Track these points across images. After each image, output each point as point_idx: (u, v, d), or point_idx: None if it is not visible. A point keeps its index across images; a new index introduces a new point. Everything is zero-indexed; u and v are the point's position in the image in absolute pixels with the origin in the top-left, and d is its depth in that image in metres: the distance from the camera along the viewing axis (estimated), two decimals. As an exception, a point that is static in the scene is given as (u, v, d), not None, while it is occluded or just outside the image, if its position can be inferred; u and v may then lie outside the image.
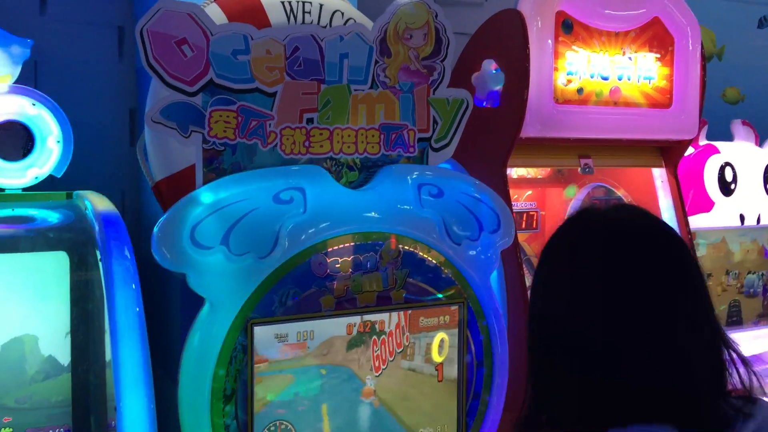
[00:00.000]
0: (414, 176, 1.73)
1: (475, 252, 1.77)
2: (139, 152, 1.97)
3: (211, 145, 1.58)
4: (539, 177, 2.70)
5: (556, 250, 1.00)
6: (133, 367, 1.35)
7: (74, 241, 1.97)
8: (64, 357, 2.04)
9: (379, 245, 1.67)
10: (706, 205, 2.77)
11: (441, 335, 1.73)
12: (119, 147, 2.53)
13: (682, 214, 2.34)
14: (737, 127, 2.99)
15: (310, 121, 1.66)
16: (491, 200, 1.81)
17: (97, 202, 1.77)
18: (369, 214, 1.66)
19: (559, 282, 0.97)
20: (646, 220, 0.98)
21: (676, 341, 0.90)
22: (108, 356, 2.04)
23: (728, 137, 2.97)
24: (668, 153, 2.36)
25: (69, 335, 2.04)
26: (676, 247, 0.95)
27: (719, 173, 2.81)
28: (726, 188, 2.80)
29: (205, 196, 1.53)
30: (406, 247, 1.70)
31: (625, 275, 0.91)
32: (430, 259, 1.73)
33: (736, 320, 2.89)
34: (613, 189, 2.56)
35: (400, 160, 1.78)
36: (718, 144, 2.86)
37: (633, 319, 0.90)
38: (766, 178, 2.88)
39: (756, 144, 3.01)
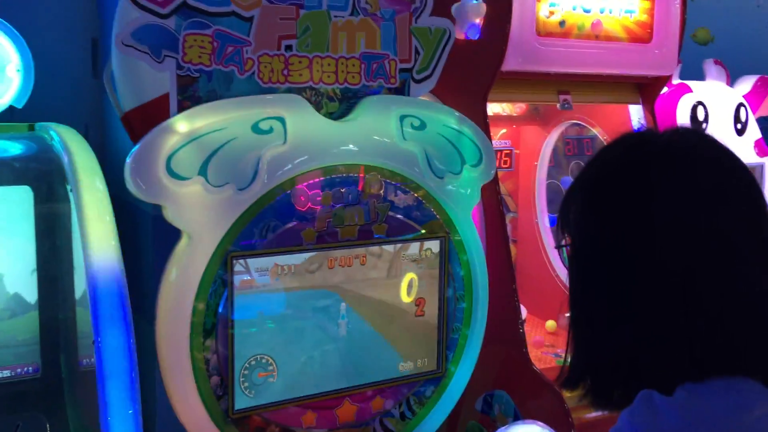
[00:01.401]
0: (396, 107, 1.69)
1: (456, 186, 1.75)
2: (107, 81, 1.88)
3: (186, 71, 1.51)
4: (514, 115, 2.67)
5: (613, 183, 0.88)
6: (111, 301, 1.30)
7: (39, 173, 1.89)
8: (31, 294, 1.99)
9: (361, 178, 1.63)
10: (678, 144, 2.78)
11: (410, 275, 1.71)
12: (81, 78, 2.41)
13: (658, 151, 2.34)
14: (709, 66, 2.99)
15: (288, 48, 1.60)
16: (473, 134, 1.78)
17: (64, 133, 1.69)
18: (350, 146, 1.62)
19: (622, 219, 0.85)
20: (716, 150, 0.88)
21: (759, 286, 0.81)
22: (78, 293, 1.99)
23: (698, 78, 2.97)
24: (646, 90, 2.35)
25: (35, 272, 1.98)
26: (754, 184, 0.86)
27: (691, 112, 2.82)
28: (697, 127, 2.81)
29: (181, 124, 1.47)
30: (388, 180, 1.67)
31: (700, 212, 0.82)
32: (412, 192, 1.70)
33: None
34: (589, 126, 2.55)
35: (381, 92, 1.72)
36: (690, 83, 2.87)
37: (712, 262, 0.81)
38: (737, 118, 2.90)
39: (727, 84, 3.02)
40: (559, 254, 0.96)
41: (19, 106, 1.99)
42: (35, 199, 1.92)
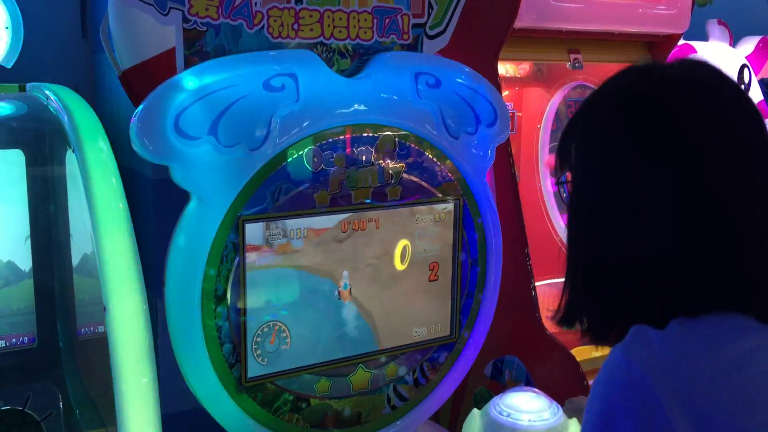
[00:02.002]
0: (410, 64, 1.62)
1: (471, 146, 1.69)
2: (103, 38, 1.79)
3: (192, 24, 1.43)
4: (518, 76, 2.61)
5: (609, 120, 0.87)
6: (122, 264, 1.23)
7: (32, 135, 1.81)
8: (25, 263, 1.92)
9: (374, 138, 1.57)
10: (682, 105, 2.74)
11: (404, 242, 1.66)
12: (71, 38, 2.31)
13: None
14: (712, 26, 2.95)
15: (299, 1, 1.52)
16: (488, 92, 1.72)
17: (60, 92, 1.60)
18: (365, 105, 1.55)
19: (622, 161, 0.85)
20: (723, 82, 0.87)
21: (759, 226, 0.82)
22: (75, 261, 1.92)
23: (700, 39, 2.92)
24: (656, 49, 2.30)
25: (29, 239, 1.90)
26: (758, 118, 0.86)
27: (696, 74, 2.77)
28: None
29: (189, 81, 1.39)
30: (402, 141, 1.60)
31: (705, 149, 0.82)
32: (426, 153, 1.64)
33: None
34: (595, 87, 2.49)
35: (393, 48, 1.65)
36: (694, 44, 2.82)
37: (711, 200, 0.81)
38: (740, 79, 2.86)
39: (730, 45, 2.98)
40: (557, 191, 0.93)
41: (8, 66, 1.90)
42: (27, 162, 1.84)
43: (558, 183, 0.96)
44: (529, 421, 1.27)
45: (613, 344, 0.86)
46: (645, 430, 0.77)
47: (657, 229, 0.83)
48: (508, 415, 1.29)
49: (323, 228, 1.54)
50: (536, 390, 1.39)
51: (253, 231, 1.45)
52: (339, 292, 1.59)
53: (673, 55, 2.66)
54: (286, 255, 1.50)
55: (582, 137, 0.91)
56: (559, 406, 1.34)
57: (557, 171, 0.95)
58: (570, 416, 1.34)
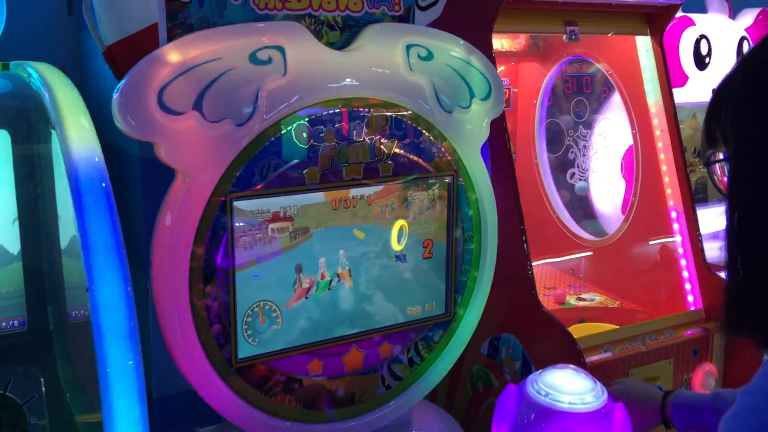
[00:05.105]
0: (402, 36, 1.57)
1: (465, 121, 1.65)
2: (86, 14, 1.75)
3: (175, -4, 1.39)
4: (513, 50, 2.56)
5: None
6: (104, 245, 1.20)
7: (16, 113, 1.77)
8: (13, 245, 1.88)
9: (366, 113, 1.53)
10: (681, 79, 2.70)
11: (400, 222, 1.63)
12: (56, 15, 2.27)
13: (667, 85, 2.26)
14: (712, -3, 2.90)
15: (285, -29, 1.47)
16: (482, 65, 1.67)
17: (42, 70, 1.56)
18: (355, 79, 1.51)
19: None
20: None
21: None
22: (64, 243, 1.89)
23: (699, 11, 2.87)
24: (654, 20, 2.25)
25: (17, 221, 1.87)
26: None
27: (694, 46, 2.73)
28: (701, 62, 2.72)
29: (172, 54, 1.34)
30: (394, 115, 1.56)
31: None
32: (419, 128, 1.60)
33: (702, 197, 2.90)
34: (593, 61, 2.45)
35: (384, 20, 1.61)
36: (693, 16, 2.77)
37: None
38: (740, 51, 2.82)
39: (729, 17, 2.93)
40: (709, 173, 0.80)
41: (-9, 43, 1.85)
42: (13, 141, 1.80)
43: (707, 164, 0.86)
44: (570, 403, 1.18)
45: None
46: None
47: None
48: (546, 395, 1.20)
49: (314, 205, 1.51)
50: (579, 369, 1.29)
51: (242, 208, 1.42)
52: (330, 271, 1.56)
53: (671, 27, 2.62)
54: (275, 233, 1.47)
55: (746, 105, 0.81)
56: (604, 388, 1.25)
57: (705, 150, 0.85)
58: (616, 400, 1.26)
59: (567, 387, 1.20)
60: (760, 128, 0.78)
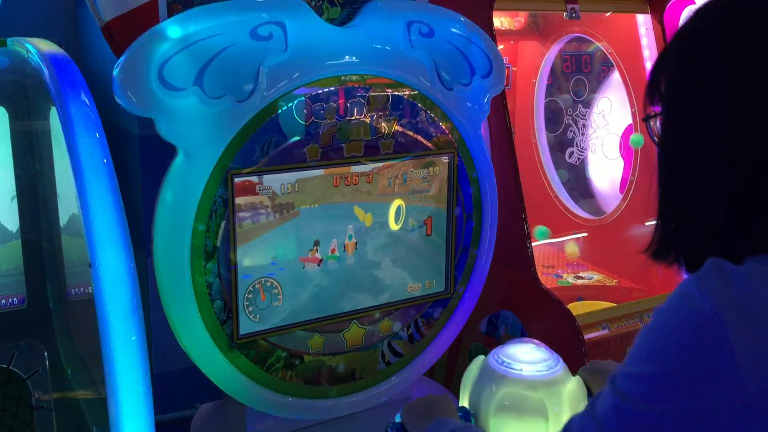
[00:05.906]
0: (403, 13, 1.57)
1: (466, 98, 1.65)
2: (83, -12, 1.73)
3: (175, -29, 1.38)
4: (513, 29, 2.55)
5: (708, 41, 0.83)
6: (107, 220, 1.19)
7: (14, 90, 1.75)
8: (12, 222, 1.88)
9: (366, 90, 1.52)
10: (681, 58, 2.69)
11: (398, 201, 1.63)
12: (54, -8, 2.24)
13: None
14: (712, -23, 2.88)
15: (286, -54, 1.46)
16: (483, 42, 1.67)
17: (41, 45, 1.55)
18: (356, 56, 1.50)
19: (715, 85, 0.81)
20: None
21: None
22: (63, 221, 1.89)
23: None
24: (654, -2, 2.24)
25: (15, 198, 1.86)
26: None
27: (695, 25, 2.71)
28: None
29: (173, 29, 1.34)
30: (395, 92, 1.56)
31: None
32: (420, 105, 1.59)
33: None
34: (592, 40, 2.44)
35: (385, -4, 1.60)
36: (693, -6, 2.75)
37: None
38: (740, 31, 2.81)
39: (729, -5, 2.91)
40: (647, 127, 0.88)
41: (-11, 20, 1.84)
42: (11, 118, 1.79)
43: (645, 119, 0.92)
44: (521, 370, 1.25)
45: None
46: (705, 365, 0.73)
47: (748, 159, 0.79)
48: (502, 363, 1.27)
49: (315, 182, 1.51)
50: (541, 344, 1.35)
51: (243, 185, 1.42)
52: (331, 248, 1.56)
53: (672, 5, 2.60)
54: (276, 210, 1.47)
55: (677, 65, 0.87)
56: (560, 360, 1.30)
57: (645, 106, 0.92)
58: (582, 375, 1.29)
59: (524, 357, 1.26)
60: (686, 86, 0.85)
